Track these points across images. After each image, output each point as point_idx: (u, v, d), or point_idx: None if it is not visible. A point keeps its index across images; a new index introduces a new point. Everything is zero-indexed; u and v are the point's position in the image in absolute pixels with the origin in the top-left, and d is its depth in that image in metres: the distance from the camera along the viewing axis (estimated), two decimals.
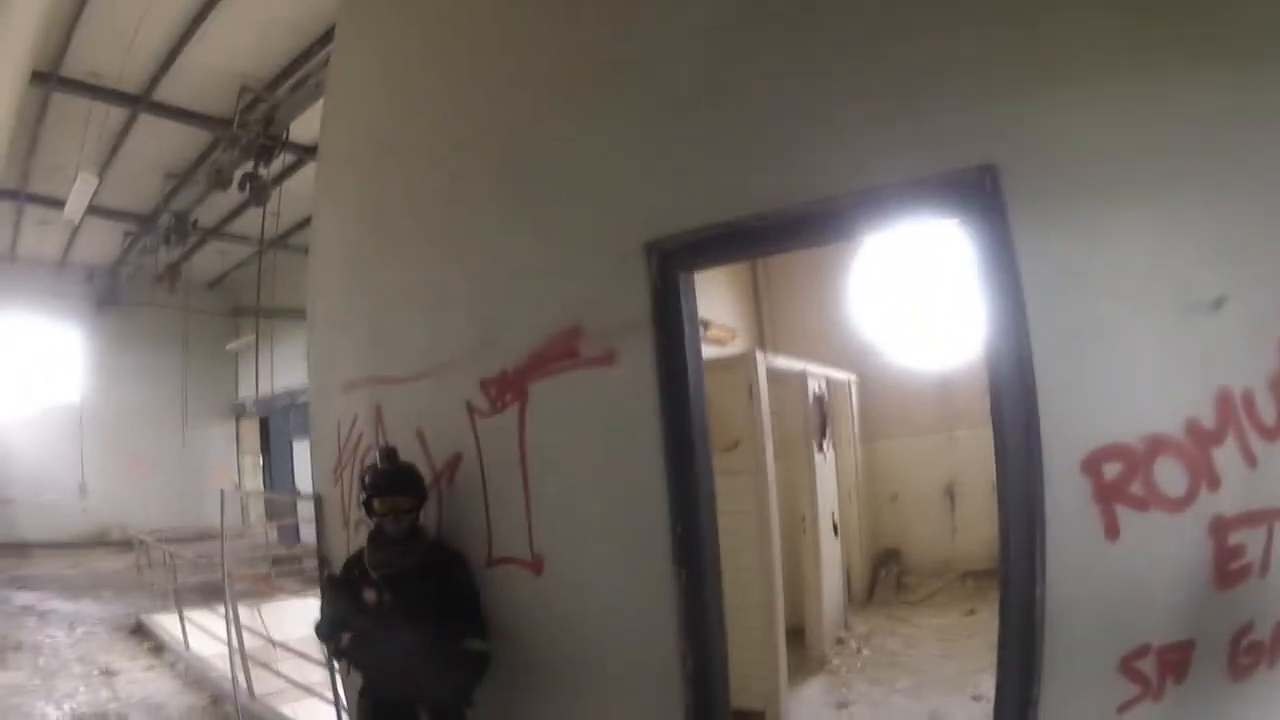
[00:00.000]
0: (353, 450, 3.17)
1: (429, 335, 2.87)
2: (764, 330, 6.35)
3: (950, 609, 5.81)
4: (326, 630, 2.52)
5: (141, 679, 5.74)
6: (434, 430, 2.79)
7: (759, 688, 3.77)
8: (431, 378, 2.81)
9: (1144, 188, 1.82)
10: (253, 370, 11.11)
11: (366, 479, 2.52)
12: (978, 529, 6.36)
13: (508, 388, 2.50)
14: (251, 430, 14.44)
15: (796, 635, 4.59)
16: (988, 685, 3.95)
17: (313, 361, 3.71)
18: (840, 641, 5.19)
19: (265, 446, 14.05)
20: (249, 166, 7.20)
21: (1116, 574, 1.86)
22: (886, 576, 6.55)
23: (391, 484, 2.47)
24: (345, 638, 2.44)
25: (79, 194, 7.72)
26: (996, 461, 1.99)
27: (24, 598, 8.47)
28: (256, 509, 12.45)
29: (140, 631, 7.09)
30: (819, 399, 5.04)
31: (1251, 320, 1.83)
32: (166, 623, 6.67)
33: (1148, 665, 1.89)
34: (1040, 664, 1.89)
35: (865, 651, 5.02)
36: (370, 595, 2.40)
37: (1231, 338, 1.83)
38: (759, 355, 3.95)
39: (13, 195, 9.22)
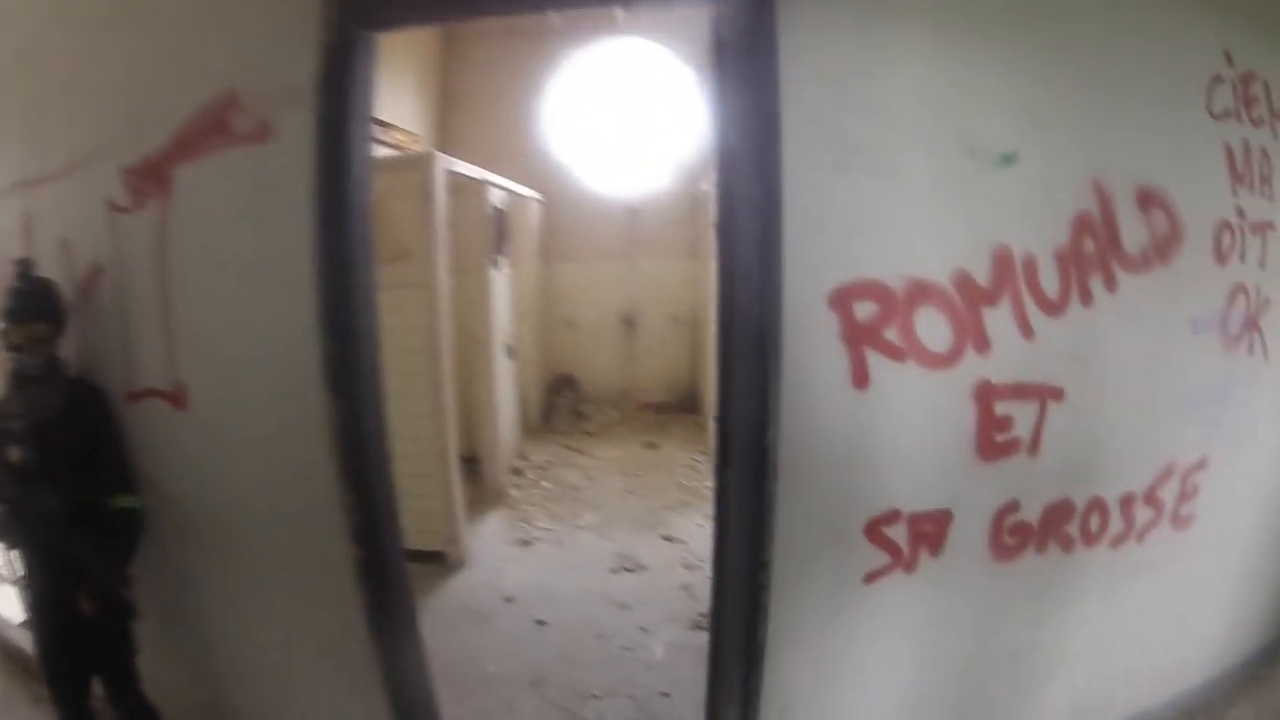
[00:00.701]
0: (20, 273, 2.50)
1: (78, 119, 2.25)
2: (448, 141, 5.94)
3: (629, 441, 5.86)
4: None
5: None
6: (76, 238, 2.23)
7: (435, 526, 3.59)
8: (75, 171, 2.21)
9: (944, 19, 1.64)
10: None
11: (4, 303, 2.01)
12: (656, 359, 6.55)
13: (150, 177, 1.99)
14: None
15: (470, 466, 4.43)
16: (678, 526, 4.12)
17: None
18: (517, 472, 5.04)
19: None
20: None
21: (864, 427, 1.71)
22: (562, 404, 6.53)
23: (25, 306, 1.99)
24: None
25: None
26: (721, 285, 1.75)
27: None
28: None
29: None
30: (499, 213, 4.78)
31: (1043, 187, 1.72)
32: None
33: (898, 533, 1.79)
34: (773, 522, 1.70)
35: (544, 484, 4.93)
36: (13, 453, 1.94)
37: (1019, 199, 1.71)
38: (437, 157, 3.57)
39: None
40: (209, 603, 2.22)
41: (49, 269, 2.11)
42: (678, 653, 2.89)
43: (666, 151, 6.12)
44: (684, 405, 6.43)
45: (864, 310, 1.65)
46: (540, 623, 3.17)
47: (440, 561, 3.62)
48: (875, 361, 1.68)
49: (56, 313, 2.04)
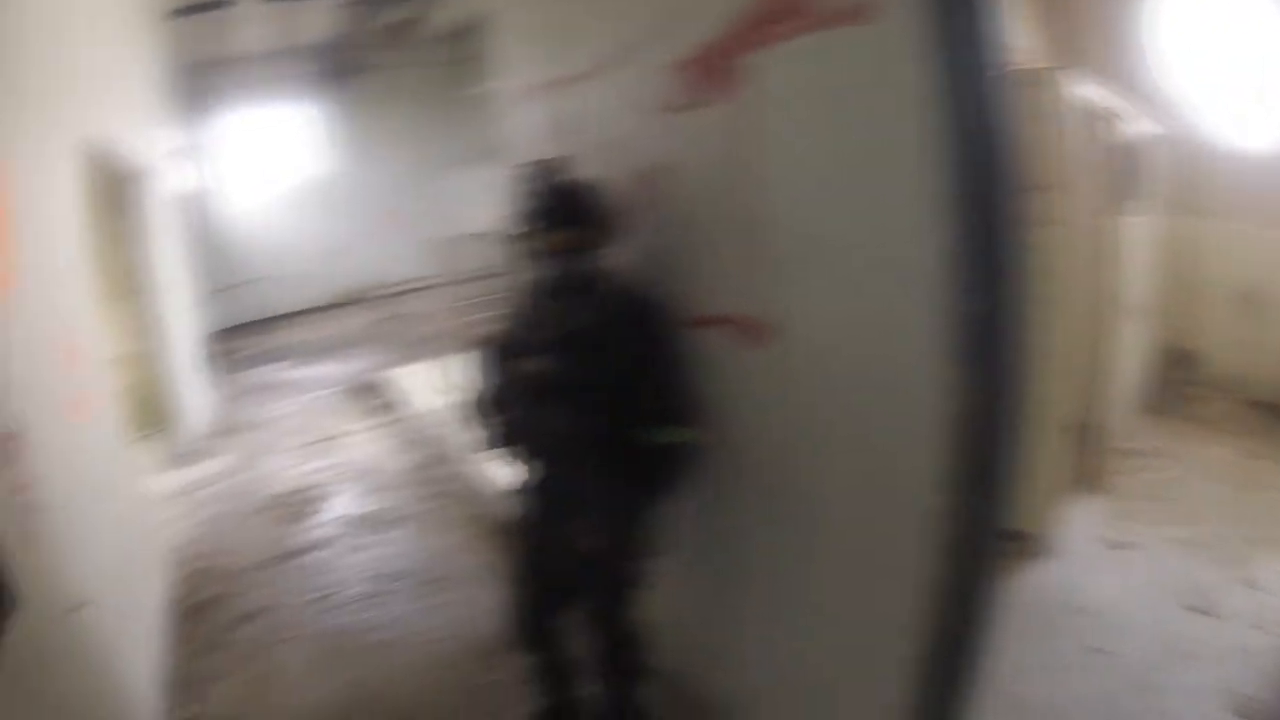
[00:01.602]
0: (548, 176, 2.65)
1: (612, 9, 2.07)
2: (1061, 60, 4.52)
3: (1231, 441, 4.65)
4: (478, 407, 1.98)
5: (360, 443, 5.63)
6: (618, 140, 2.07)
7: (1021, 499, 2.76)
8: (613, 68, 2.06)
9: None
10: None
11: (527, 205, 1.87)
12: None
13: (709, 70, 1.69)
14: None
15: (1069, 439, 3.54)
16: (1269, 569, 3.08)
17: (496, 75, 3.06)
18: (1121, 455, 4.19)
19: None
20: None
21: None
22: (1172, 383, 5.34)
23: (561, 211, 1.81)
24: (500, 421, 1.92)
25: None
26: None
27: (261, 372, 8.51)
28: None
29: (373, 391, 6.87)
30: (1131, 149, 3.76)
31: None
32: (400, 379, 6.46)
33: None
34: None
35: (1146, 475, 4.17)
36: (532, 364, 1.82)
37: None
38: (1060, 74, 2.89)
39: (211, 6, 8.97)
40: (741, 559, 1.97)
41: (585, 173, 1.95)
42: None
43: None
44: None
45: None
46: (1097, 650, 2.64)
47: (1018, 542, 3.13)
48: None
49: (595, 219, 1.83)
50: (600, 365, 1.77)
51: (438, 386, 5.34)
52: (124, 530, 2.94)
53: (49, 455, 2.19)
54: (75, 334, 2.71)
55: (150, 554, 3.43)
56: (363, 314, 8.32)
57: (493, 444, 2.02)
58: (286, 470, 5.23)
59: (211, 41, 10.71)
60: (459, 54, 13.44)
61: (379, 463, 5.19)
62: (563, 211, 1.82)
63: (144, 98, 5.94)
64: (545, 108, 2.53)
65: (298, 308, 12.51)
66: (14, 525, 1.78)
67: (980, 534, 1.41)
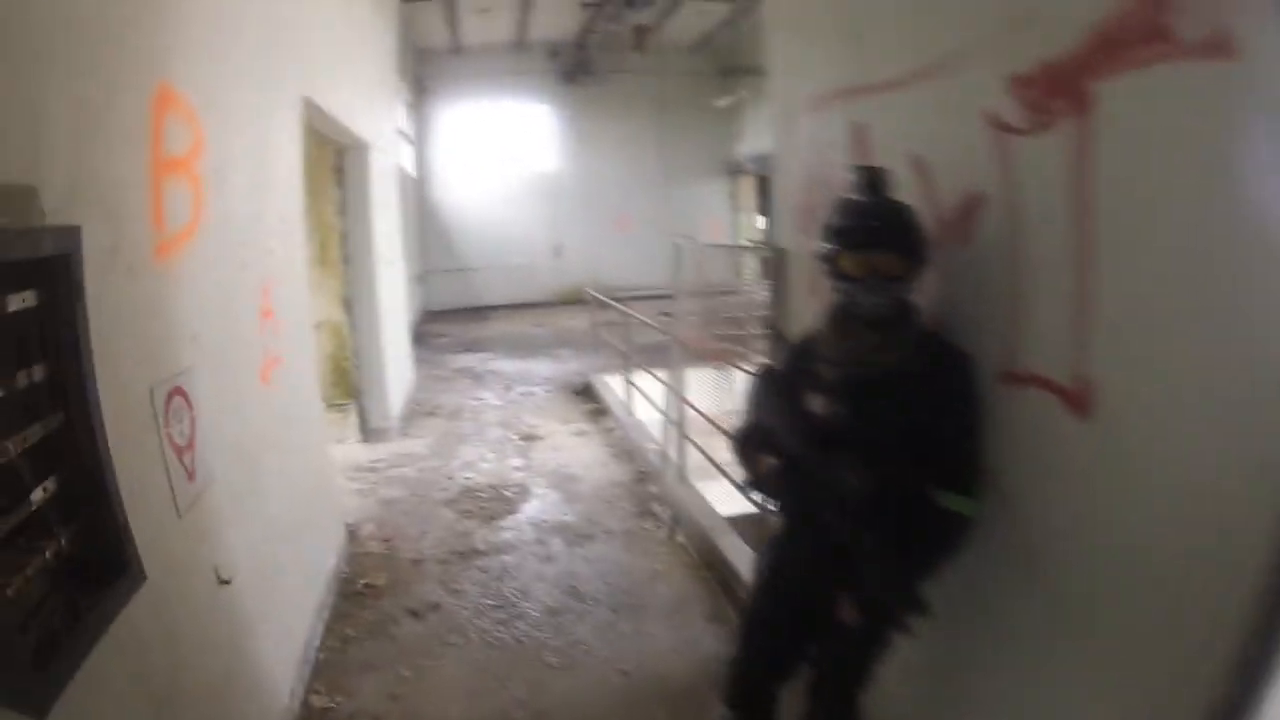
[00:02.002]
0: (823, 189, 2.29)
1: (925, 14, 1.84)
2: None
3: None
4: (745, 444, 1.78)
5: (565, 446, 5.33)
6: (939, 158, 1.79)
7: None
8: (931, 78, 1.79)
9: None
10: (746, 129, 11.25)
11: (832, 222, 1.62)
12: None
13: (1056, 89, 1.42)
14: (749, 188, 14.23)
15: None
16: None
17: (774, 78, 2.84)
18: None
19: (764, 205, 13.52)
20: None
21: None
22: None
23: (872, 231, 1.55)
24: (766, 464, 1.71)
25: None
26: None
27: (466, 360, 8.47)
28: (751, 265, 12.34)
29: (586, 394, 6.66)
30: None
31: None
32: (618, 385, 6.12)
33: None
34: None
35: None
36: (819, 403, 1.60)
37: None
38: None
39: None
40: (1014, 649, 1.65)
41: (895, 193, 1.65)
42: None
43: None
44: None
45: None
46: None
47: None
48: None
49: (913, 245, 1.55)
50: (898, 414, 1.56)
51: (659, 398, 4.88)
52: (297, 502, 2.84)
53: (227, 418, 2.10)
54: (273, 296, 2.65)
55: (322, 529, 3.31)
56: (583, 314, 8.00)
57: (754, 485, 1.81)
58: (483, 464, 5.00)
59: (447, 27, 11.23)
60: (700, 64, 13.69)
61: (584, 470, 4.81)
62: (881, 231, 1.56)
63: (374, 74, 5.90)
64: (837, 118, 2.24)
65: (514, 300, 12.99)
66: (164, 489, 1.65)
67: None
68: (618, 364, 6.11)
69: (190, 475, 1.80)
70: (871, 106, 2.06)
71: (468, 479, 4.70)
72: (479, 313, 12.38)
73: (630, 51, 10.94)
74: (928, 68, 1.78)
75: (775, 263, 2.71)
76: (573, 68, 12.70)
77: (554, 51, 12.75)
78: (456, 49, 12.56)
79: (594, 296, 6.95)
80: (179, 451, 1.74)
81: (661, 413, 4.55)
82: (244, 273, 2.38)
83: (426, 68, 12.65)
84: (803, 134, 2.49)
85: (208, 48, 2.11)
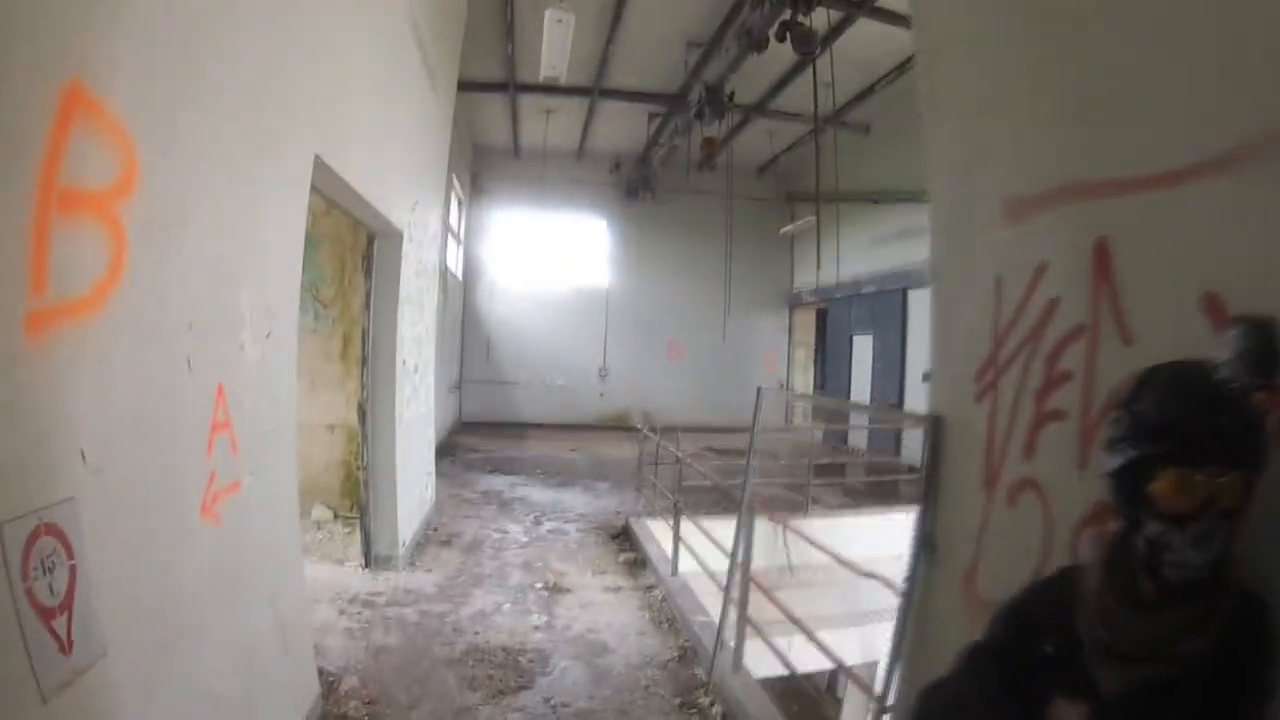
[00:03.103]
0: (1030, 334, 1.70)
1: (1206, 83, 1.28)
2: None
3: None
4: (963, 700, 1.27)
5: (596, 603, 4.50)
6: (1251, 297, 1.17)
7: None
8: (1229, 170, 1.23)
9: None
10: (808, 258, 10.84)
11: (1142, 414, 1.06)
12: None
13: None
14: (807, 321, 13.79)
15: None
16: None
17: (936, 175, 2.18)
18: None
19: (820, 340, 13.23)
20: (785, 15, 6.21)
21: None
22: None
23: (1221, 438, 1.00)
24: None
25: (552, 37, 6.50)
26: None
27: (494, 482, 7.88)
28: (803, 408, 11.94)
29: (624, 539, 5.76)
30: None
31: None
32: (660, 532, 5.25)
33: None
34: None
35: None
36: (1107, 678, 1.08)
37: None
38: None
39: (501, 87, 9.37)
40: None
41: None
42: None
43: None
44: None
45: None
46: None
47: None
48: None
49: (1262, 459, 1.02)
50: (1200, 704, 1.04)
51: (710, 557, 4.08)
52: (247, 666, 2.21)
53: (142, 567, 1.57)
54: (231, 403, 2.06)
55: (282, 694, 2.59)
56: (625, 443, 7.44)
57: None
58: (499, 616, 4.20)
59: (508, 125, 11.01)
60: (764, 188, 13.42)
61: (617, 640, 3.95)
62: (1234, 439, 1.01)
63: (418, 158, 5.21)
64: (1069, 226, 1.60)
65: (552, 420, 12.39)
66: (17, 665, 1.19)
67: None
68: (662, 508, 5.42)
69: (65, 647, 1.36)
70: (1123, 210, 1.43)
71: (477, 634, 3.92)
72: (514, 429, 11.80)
73: (695, 169, 10.66)
74: (1217, 155, 1.21)
75: (932, 438, 2.03)
76: (634, 183, 12.44)
77: (616, 164, 12.56)
78: (516, 150, 12.42)
79: (643, 428, 6.38)
80: (46, 615, 1.30)
81: (714, 579, 3.77)
82: (188, 373, 1.79)
83: (483, 166, 12.56)
84: (991, 254, 1.85)
85: (163, 57, 1.60)
